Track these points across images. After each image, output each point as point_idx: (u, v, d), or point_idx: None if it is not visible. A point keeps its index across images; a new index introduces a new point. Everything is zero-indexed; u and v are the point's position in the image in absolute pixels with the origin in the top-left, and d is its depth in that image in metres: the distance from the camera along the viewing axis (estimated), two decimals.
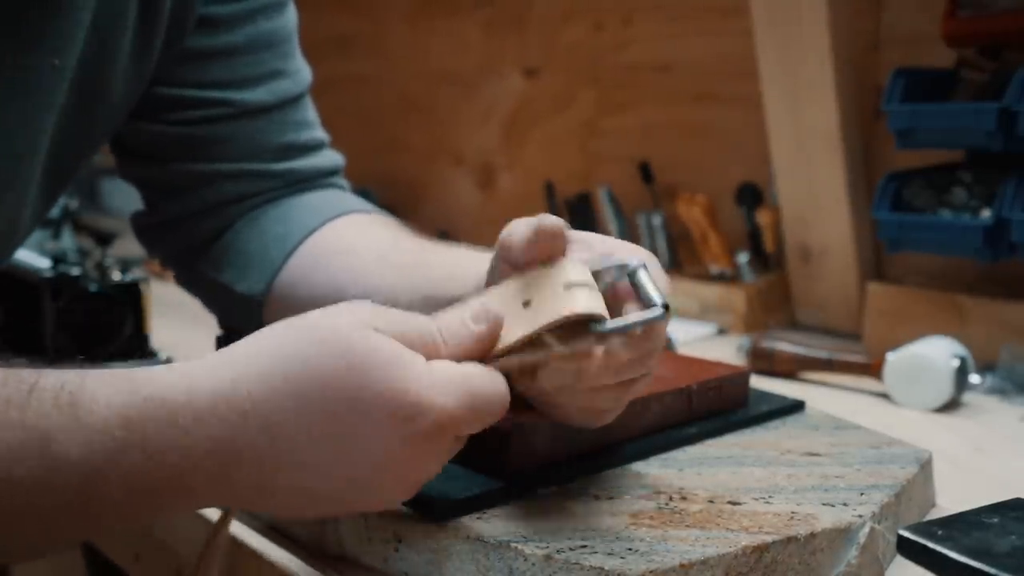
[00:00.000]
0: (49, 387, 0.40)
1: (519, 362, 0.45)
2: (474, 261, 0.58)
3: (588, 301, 0.44)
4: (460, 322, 0.45)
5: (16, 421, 0.39)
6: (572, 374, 0.45)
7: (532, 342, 0.45)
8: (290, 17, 0.73)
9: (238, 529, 0.57)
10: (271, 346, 0.42)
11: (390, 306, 0.45)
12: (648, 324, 0.45)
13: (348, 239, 0.69)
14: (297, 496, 0.42)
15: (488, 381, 0.43)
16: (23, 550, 0.47)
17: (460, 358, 0.44)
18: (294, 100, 0.73)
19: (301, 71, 0.74)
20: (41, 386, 0.40)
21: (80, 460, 0.39)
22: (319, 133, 0.75)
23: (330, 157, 0.76)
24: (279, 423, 0.40)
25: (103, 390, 0.40)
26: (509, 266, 0.48)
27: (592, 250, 0.49)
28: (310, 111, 0.75)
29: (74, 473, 0.39)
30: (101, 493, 0.40)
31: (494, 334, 0.45)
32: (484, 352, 0.45)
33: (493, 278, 0.52)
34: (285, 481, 0.41)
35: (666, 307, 0.45)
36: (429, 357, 0.43)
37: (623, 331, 0.45)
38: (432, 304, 0.58)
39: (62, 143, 0.61)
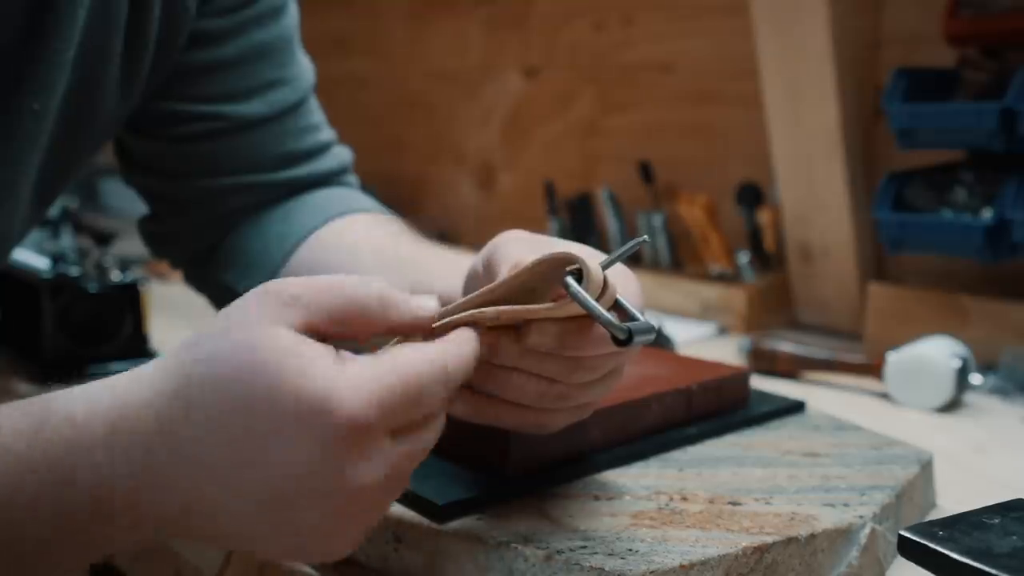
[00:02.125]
0: None
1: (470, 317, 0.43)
2: (469, 262, 0.58)
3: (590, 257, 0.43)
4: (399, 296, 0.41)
5: None
6: (486, 348, 0.43)
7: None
8: (288, 23, 0.72)
9: None
10: (172, 361, 0.39)
11: None
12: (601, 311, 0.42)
13: (348, 238, 0.69)
14: (221, 518, 0.38)
15: (402, 364, 0.38)
16: None
17: (400, 330, 0.41)
18: (293, 108, 0.72)
19: (301, 76, 0.73)
20: None
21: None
22: (323, 135, 0.75)
23: (336, 157, 0.75)
24: (181, 440, 0.37)
25: (7, 422, 0.38)
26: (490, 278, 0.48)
27: None
28: (313, 114, 0.74)
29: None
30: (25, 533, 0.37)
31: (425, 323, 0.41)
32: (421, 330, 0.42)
33: (472, 282, 0.52)
34: (199, 502, 0.37)
35: (630, 335, 0.41)
36: (362, 330, 0.40)
37: (610, 262, 0.44)
38: None
39: (48, 168, 0.61)
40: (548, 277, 0.44)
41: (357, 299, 0.39)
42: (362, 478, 0.37)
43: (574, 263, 0.43)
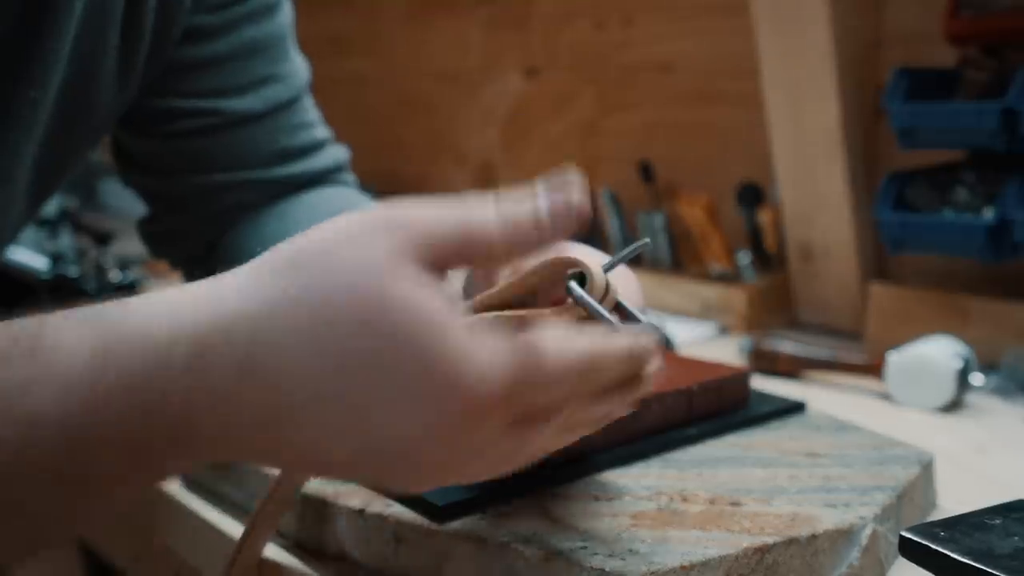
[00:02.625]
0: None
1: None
2: None
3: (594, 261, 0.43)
4: (529, 207, 0.37)
5: None
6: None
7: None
8: (281, 20, 0.72)
9: (235, 528, 0.57)
10: (274, 288, 0.35)
11: None
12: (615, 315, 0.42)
13: None
14: (310, 459, 0.36)
15: (540, 352, 0.35)
16: (10, 549, 0.37)
17: (523, 254, 0.37)
18: (287, 105, 0.72)
19: (295, 74, 0.73)
20: None
21: (56, 417, 0.33)
22: (319, 132, 0.75)
23: (332, 155, 0.75)
24: (280, 380, 0.34)
25: (69, 335, 0.34)
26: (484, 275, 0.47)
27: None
28: (307, 112, 0.74)
29: (51, 435, 0.33)
30: (86, 456, 0.34)
31: (570, 216, 0.38)
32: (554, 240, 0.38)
33: (472, 283, 0.52)
34: (291, 442, 0.35)
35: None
36: (478, 256, 0.36)
37: (612, 266, 0.43)
38: None
39: (44, 161, 0.61)
40: (549, 280, 0.44)
41: (479, 231, 0.36)
42: (465, 456, 0.36)
43: (576, 267, 0.43)
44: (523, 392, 0.35)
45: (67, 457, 0.34)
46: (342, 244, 0.35)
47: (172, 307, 0.35)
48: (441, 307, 0.34)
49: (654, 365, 0.40)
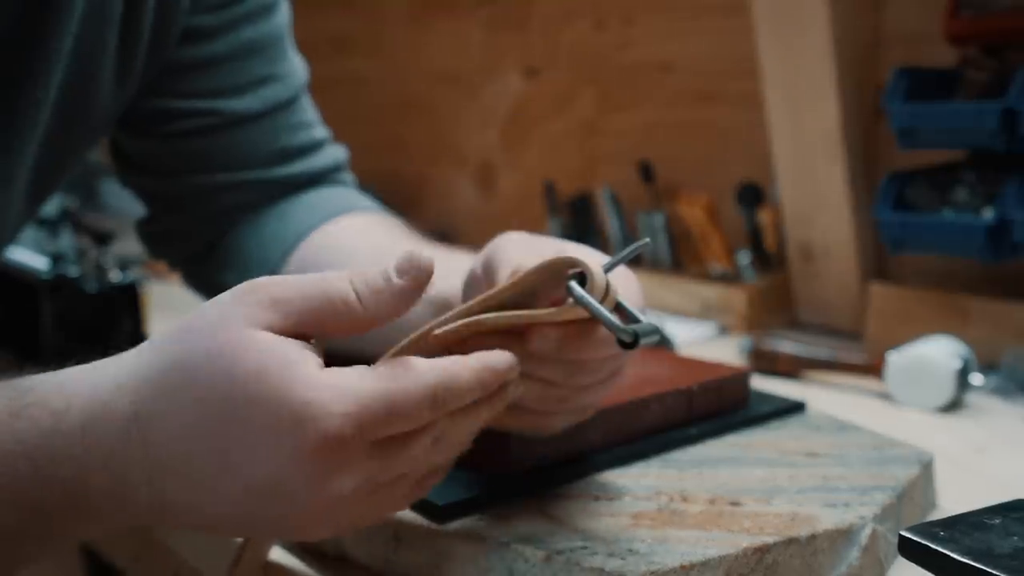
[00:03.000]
0: None
1: (456, 328, 0.42)
2: (469, 263, 0.58)
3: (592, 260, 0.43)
4: (381, 275, 0.39)
5: None
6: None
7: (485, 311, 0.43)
8: (279, 20, 0.72)
9: None
10: (151, 356, 0.38)
11: None
12: (608, 318, 0.41)
13: (346, 238, 0.69)
14: (196, 514, 0.38)
15: (387, 380, 0.37)
16: None
17: (383, 319, 0.39)
18: (286, 105, 0.72)
19: (293, 73, 0.73)
20: None
21: None
22: (317, 132, 0.75)
23: (330, 154, 0.75)
24: (157, 436, 0.37)
25: None
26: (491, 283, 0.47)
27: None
28: (306, 111, 0.74)
29: None
30: None
31: (419, 287, 0.39)
32: (406, 309, 0.39)
33: (472, 284, 0.52)
34: (175, 497, 0.38)
35: (636, 338, 0.41)
36: (343, 326, 0.38)
37: (611, 266, 0.44)
38: (427, 304, 0.58)
39: (43, 161, 0.61)
40: (549, 280, 0.44)
41: (337, 297, 0.38)
42: (337, 489, 0.37)
43: (576, 267, 0.43)
44: (375, 423, 0.36)
45: None
46: (203, 314, 0.38)
47: (70, 384, 0.39)
48: (287, 353, 0.36)
49: (512, 375, 0.41)
